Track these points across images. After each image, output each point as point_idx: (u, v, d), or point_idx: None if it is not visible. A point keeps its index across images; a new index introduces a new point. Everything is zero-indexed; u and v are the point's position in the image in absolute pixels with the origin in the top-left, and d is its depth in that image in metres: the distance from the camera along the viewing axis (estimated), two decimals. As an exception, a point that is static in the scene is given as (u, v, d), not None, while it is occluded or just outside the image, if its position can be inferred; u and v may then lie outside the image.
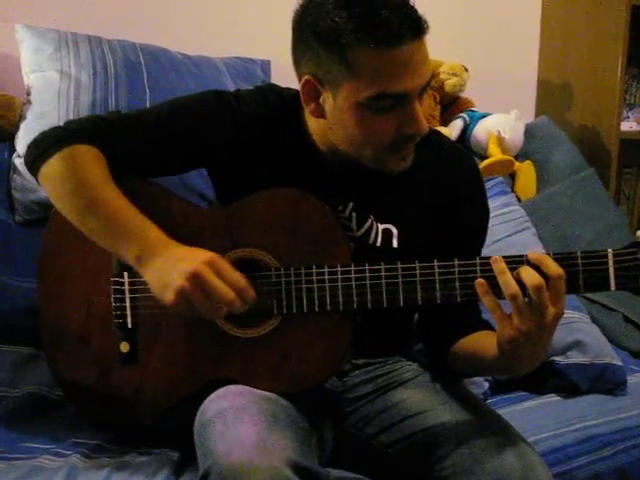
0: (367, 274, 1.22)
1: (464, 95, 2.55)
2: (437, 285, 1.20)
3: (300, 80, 1.26)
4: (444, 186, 1.37)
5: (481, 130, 2.45)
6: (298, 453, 1.11)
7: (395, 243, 1.34)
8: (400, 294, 1.21)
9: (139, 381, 1.32)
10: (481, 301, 1.15)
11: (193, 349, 1.29)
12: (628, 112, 2.78)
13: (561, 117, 2.71)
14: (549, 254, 1.16)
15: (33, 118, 1.85)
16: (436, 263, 1.20)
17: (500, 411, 1.37)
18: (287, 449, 1.10)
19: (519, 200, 2.35)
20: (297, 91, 1.28)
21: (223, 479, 1.06)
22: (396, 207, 1.35)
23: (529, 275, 1.11)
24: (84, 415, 1.43)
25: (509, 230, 2.11)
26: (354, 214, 1.34)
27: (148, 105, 1.85)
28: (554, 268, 1.12)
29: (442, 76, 2.45)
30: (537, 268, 1.12)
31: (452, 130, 2.44)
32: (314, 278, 1.23)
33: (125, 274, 1.31)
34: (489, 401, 1.73)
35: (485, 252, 1.44)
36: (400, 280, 1.21)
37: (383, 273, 1.21)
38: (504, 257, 1.15)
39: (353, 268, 1.22)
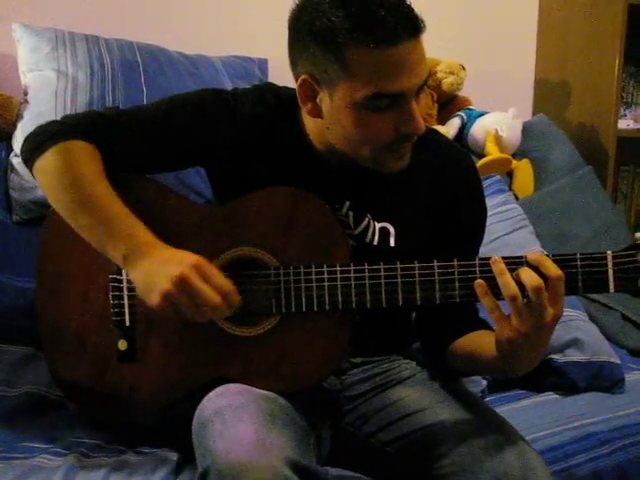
0: (366, 274, 1.22)
1: (461, 94, 2.55)
2: (436, 285, 1.20)
3: (297, 80, 1.25)
4: (441, 185, 1.37)
5: (479, 128, 2.45)
6: (297, 452, 1.11)
7: (392, 242, 1.34)
8: (399, 294, 1.21)
9: (137, 379, 1.32)
10: (480, 302, 1.15)
11: (191, 348, 1.29)
12: (625, 110, 2.79)
13: (559, 115, 2.71)
14: (548, 255, 1.16)
15: (30, 117, 1.85)
16: (435, 263, 1.20)
17: (498, 409, 1.37)
18: (286, 448, 1.10)
19: (517, 198, 2.35)
20: (294, 90, 1.28)
21: (222, 478, 1.06)
22: (393, 206, 1.35)
23: (528, 276, 1.11)
24: (84, 414, 1.43)
25: (507, 228, 2.11)
26: (351, 213, 1.34)
27: (145, 104, 1.85)
28: (553, 269, 1.12)
29: (439, 75, 2.45)
30: (536, 269, 1.13)
31: (450, 129, 2.45)
32: (313, 277, 1.23)
33: (123, 272, 1.31)
34: (487, 399, 1.73)
35: (483, 250, 1.44)
36: (399, 280, 1.21)
37: (382, 273, 1.22)
38: (503, 258, 1.15)
39: (352, 268, 1.22)
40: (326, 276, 1.23)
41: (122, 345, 1.32)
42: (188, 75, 2.04)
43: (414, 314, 1.46)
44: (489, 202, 1.50)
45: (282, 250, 1.26)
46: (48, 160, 1.30)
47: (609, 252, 1.17)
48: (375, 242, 1.34)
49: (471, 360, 1.31)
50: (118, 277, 1.31)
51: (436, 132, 1.47)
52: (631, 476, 1.55)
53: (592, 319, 2.00)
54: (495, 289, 1.13)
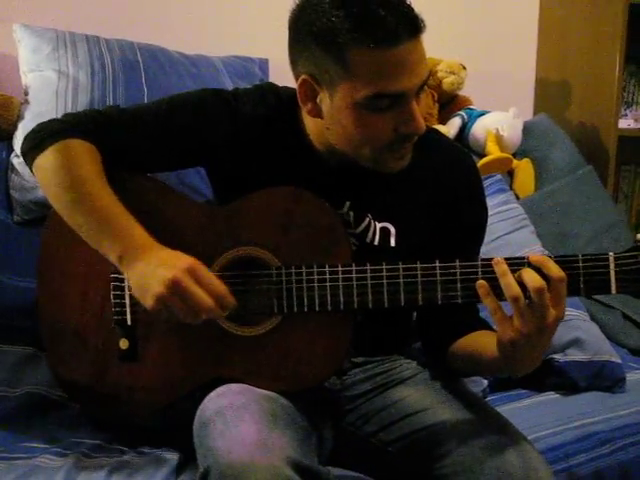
0: (368, 274, 1.22)
1: (462, 93, 2.55)
2: (438, 286, 1.20)
3: (297, 80, 1.25)
4: (442, 185, 1.37)
5: (479, 128, 2.45)
6: (298, 452, 1.11)
7: (393, 242, 1.34)
8: (401, 294, 1.21)
9: (138, 378, 1.32)
10: (482, 303, 1.15)
11: (193, 347, 1.29)
12: (626, 110, 2.79)
13: (559, 115, 2.71)
14: (550, 256, 1.16)
15: (31, 118, 1.85)
16: (438, 264, 1.20)
17: (499, 409, 1.37)
18: (287, 448, 1.10)
19: (517, 198, 2.35)
20: (295, 90, 1.28)
21: (223, 478, 1.06)
22: (394, 206, 1.35)
23: (531, 277, 1.11)
24: (86, 413, 1.43)
25: (508, 228, 2.11)
26: (351, 213, 1.34)
27: (146, 104, 1.85)
28: (555, 271, 1.12)
29: (440, 74, 2.45)
30: (538, 270, 1.12)
31: (450, 128, 2.45)
32: (315, 277, 1.23)
33: None
34: (488, 399, 1.73)
35: (484, 250, 1.44)
36: (401, 280, 1.21)
37: (384, 273, 1.22)
38: (505, 259, 1.15)
39: (354, 268, 1.22)
40: (328, 276, 1.23)
41: (123, 344, 1.32)
42: (189, 75, 2.04)
43: (415, 314, 1.46)
44: (490, 202, 1.50)
45: (284, 250, 1.26)
46: (47, 158, 1.30)
47: (611, 253, 1.17)
48: (376, 242, 1.34)
49: (472, 360, 1.31)
50: (119, 276, 1.31)
51: (437, 132, 1.47)
52: (632, 475, 1.55)
53: (593, 318, 2.00)
54: (497, 290, 1.13)
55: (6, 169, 1.85)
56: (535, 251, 2.04)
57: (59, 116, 1.40)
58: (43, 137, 1.32)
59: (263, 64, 2.25)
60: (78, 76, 1.90)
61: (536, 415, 1.65)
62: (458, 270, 1.20)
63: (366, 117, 1.21)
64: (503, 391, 1.80)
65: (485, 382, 1.76)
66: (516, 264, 1.15)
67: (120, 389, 1.33)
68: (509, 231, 2.11)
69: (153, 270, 1.16)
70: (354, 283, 1.22)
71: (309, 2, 1.21)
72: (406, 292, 1.21)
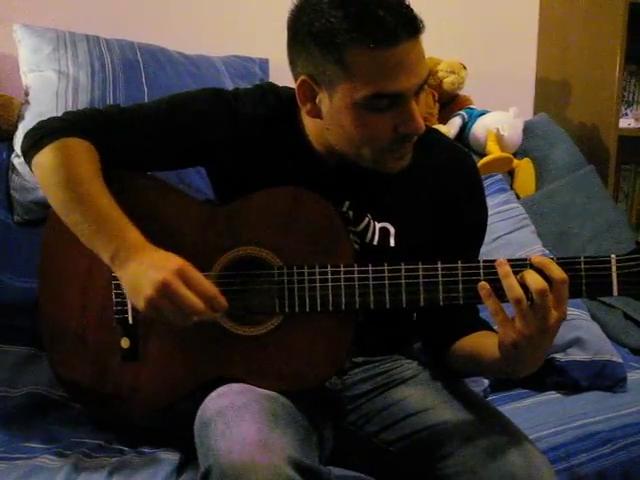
0: (370, 275, 1.22)
1: (462, 93, 2.55)
2: (440, 287, 1.20)
3: (296, 80, 1.25)
4: (442, 185, 1.37)
5: (480, 128, 2.45)
6: (299, 451, 1.11)
7: (392, 242, 1.34)
8: (403, 295, 1.21)
9: (139, 377, 1.32)
10: (483, 304, 1.15)
11: (194, 346, 1.29)
12: (626, 109, 2.79)
13: (560, 114, 2.71)
14: (552, 258, 1.16)
15: (31, 118, 1.84)
16: (439, 265, 1.20)
17: (500, 408, 1.37)
18: (288, 447, 1.10)
19: (518, 197, 2.36)
20: (295, 90, 1.28)
21: (224, 478, 1.06)
22: (393, 206, 1.35)
23: (533, 279, 1.11)
24: (87, 413, 1.43)
25: (508, 227, 2.11)
26: (350, 212, 1.34)
27: (146, 104, 1.85)
28: (558, 272, 1.12)
29: (440, 74, 2.46)
30: (540, 272, 1.12)
31: (451, 128, 2.45)
32: (317, 277, 1.23)
33: None
34: (489, 398, 1.73)
35: (485, 250, 1.44)
36: (403, 281, 1.21)
37: (386, 274, 1.21)
38: (507, 260, 1.15)
39: (356, 268, 1.22)
40: (330, 276, 1.23)
41: (125, 343, 1.32)
42: (189, 75, 2.04)
43: (415, 314, 1.46)
44: (490, 201, 1.50)
45: (285, 250, 1.26)
46: (45, 157, 1.30)
47: (613, 256, 1.17)
48: (375, 242, 1.34)
49: (473, 361, 1.31)
50: (120, 275, 1.31)
51: (437, 132, 1.47)
52: (633, 475, 1.55)
53: (594, 318, 2.00)
54: (498, 291, 1.13)
55: (7, 169, 1.85)
56: (536, 251, 2.04)
57: (62, 113, 1.40)
58: (42, 135, 1.32)
59: (263, 64, 2.25)
60: (78, 76, 1.90)
61: (537, 415, 1.65)
62: (460, 271, 1.20)
63: (365, 117, 1.21)
64: (504, 391, 1.81)
65: (486, 382, 1.76)
66: (518, 265, 1.15)
67: (121, 388, 1.33)
68: (510, 231, 2.11)
69: (144, 272, 1.16)
70: (356, 283, 1.22)
71: (308, 2, 1.21)
72: (408, 293, 1.21)
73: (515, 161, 2.45)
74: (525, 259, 1.16)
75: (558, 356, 1.83)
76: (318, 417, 1.29)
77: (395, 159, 1.27)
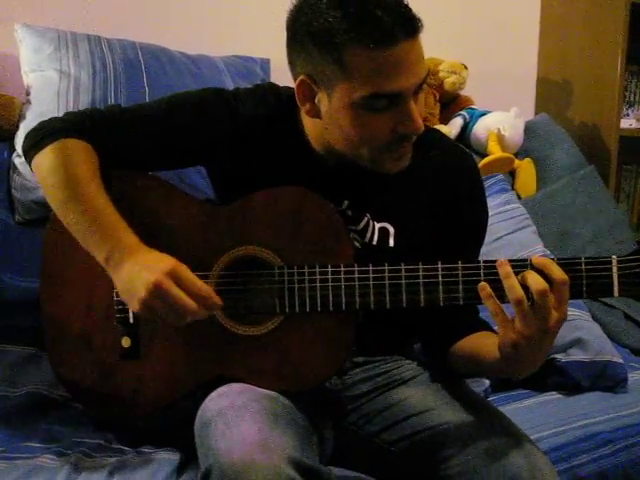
0: (370, 275, 1.22)
1: (464, 93, 2.55)
2: (440, 287, 1.20)
3: (295, 80, 1.26)
4: (443, 185, 1.37)
5: (481, 128, 2.45)
6: (299, 451, 1.11)
7: (391, 242, 1.34)
8: (403, 295, 1.21)
9: (141, 377, 1.32)
10: (484, 304, 1.15)
11: (194, 346, 1.29)
12: (628, 109, 2.79)
13: (561, 115, 2.71)
14: (553, 259, 1.16)
15: (33, 118, 1.85)
16: (440, 265, 1.20)
17: (501, 409, 1.37)
18: (288, 447, 1.09)
19: (519, 197, 2.36)
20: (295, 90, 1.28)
21: (224, 477, 1.06)
22: (393, 206, 1.35)
23: (534, 280, 1.11)
24: (88, 413, 1.43)
25: (509, 228, 2.11)
26: (349, 212, 1.34)
27: (147, 104, 1.85)
28: (558, 273, 1.12)
29: (442, 74, 2.46)
30: (541, 272, 1.12)
31: (452, 128, 2.45)
32: (317, 277, 1.23)
33: None
34: (490, 399, 1.73)
35: (486, 250, 1.44)
36: (403, 281, 1.21)
37: (386, 274, 1.21)
38: (508, 261, 1.15)
39: (356, 268, 1.22)
40: (330, 276, 1.23)
41: (125, 342, 1.32)
42: (190, 75, 2.04)
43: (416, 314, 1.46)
44: (491, 202, 1.50)
45: (286, 250, 1.26)
46: (45, 157, 1.30)
47: (614, 257, 1.17)
48: (374, 242, 1.34)
49: (473, 362, 1.31)
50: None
51: (437, 132, 1.47)
52: (634, 476, 1.55)
53: (595, 319, 2.00)
54: (499, 292, 1.13)
55: (8, 169, 1.85)
56: (537, 251, 2.04)
57: (63, 113, 1.41)
58: (43, 136, 1.32)
59: (264, 64, 2.25)
60: (79, 76, 1.90)
61: (538, 415, 1.65)
62: (460, 271, 1.19)
63: (364, 117, 1.21)
64: (505, 391, 1.80)
65: (487, 382, 1.76)
66: (519, 266, 1.15)
67: (122, 387, 1.33)
68: (511, 231, 2.11)
69: (137, 274, 1.16)
70: (356, 284, 1.22)
71: (306, 3, 1.21)
72: (408, 293, 1.21)
73: (516, 161, 2.45)
74: (526, 260, 1.16)
75: (559, 356, 1.83)
76: (318, 417, 1.29)
77: (394, 159, 1.27)
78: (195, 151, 1.37)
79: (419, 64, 1.20)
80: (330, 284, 1.22)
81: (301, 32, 1.21)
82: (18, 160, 1.83)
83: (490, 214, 1.46)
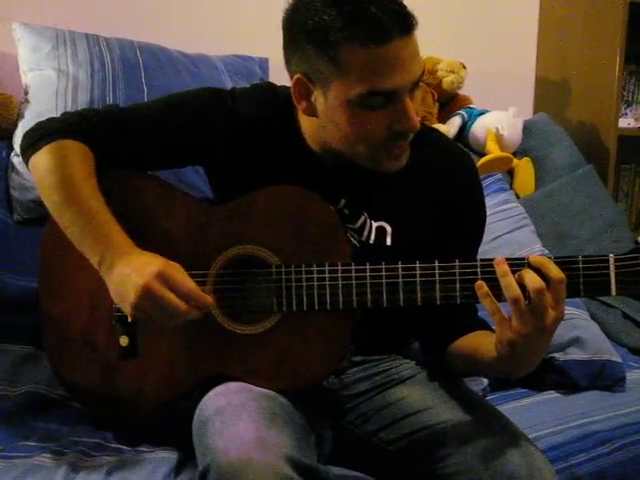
0: (367, 273, 1.22)
1: (462, 92, 2.55)
2: (437, 286, 1.20)
3: (292, 79, 1.26)
4: (441, 184, 1.37)
5: (479, 127, 2.45)
6: (297, 450, 1.11)
7: (389, 241, 1.34)
8: (400, 294, 1.21)
9: (139, 376, 1.32)
10: (480, 303, 1.15)
11: (192, 345, 1.29)
12: (626, 109, 2.79)
13: (559, 114, 2.71)
14: (550, 258, 1.16)
15: (31, 117, 1.85)
16: (437, 264, 1.20)
17: (499, 408, 1.36)
18: (286, 446, 1.10)
19: (517, 197, 2.36)
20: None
21: (222, 476, 1.06)
22: (390, 205, 1.35)
23: (531, 278, 1.10)
24: (88, 413, 1.43)
25: (508, 227, 2.11)
26: (346, 211, 1.34)
27: (146, 104, 1.85)
28: (555, 272, 1.11)
29: (440, 73, 2.46)
30: (538, 271, 1.12)
31: (450, 127, 2.45)
32: (314, 276, 1.23)
33: None
34: (488, 398, 1.73)
35: (484, 249, 1.44)
36: (400, 280, 1.21)
37: (383, 273, 1.21)
38: (505, 259, 1.15)
39: (353, 267, 1.22)
40: (327, 275, 1.23)
41: (124, 341, 1.32)
42: (189, 74, 2.04)
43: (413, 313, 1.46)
44: (490, 201, 1.50)
45: (285, 249, 1.26)
46: (41, 158, 1.31)
47: (611, 255, 1.16)
48: (371, 241, 1.34)
49: (470, 361, 1.31)
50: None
51: (436, 131, 1.47)
52: (632, 475, 1.55)
53: (593, 317, 2.00)
54: (496, 290, 1.13)
55: (6, 168, 1.85)
56: (535, 250, 2.04)
57: (58, 115, 1.40)
58: (40, 136, 1.32)
59: (263, 63, 2.25)
60: (78, 75, 1.90)
61: (536, 414, 1.65)
62: (457, 270, 1.19)
63: (360, 115, 1.21)
64: (503, 390, 1.80)
65: (485, 381, 1.76)
66: (516, 264, 1.15)
67: (122, 386, 1.33)
68: (509, 230, 2.11)
69: (128, 277, 1.17)
70: (353, 282, 1.22)
71: (302, 2, 1.21)
72: (405, 292, 1.21)
73: (515, 161, 2.45)
74: (523, 258, 1.16)
75: (557, 355, 1.83)
76: (316, 416, 1.29)
77: (391, 158, 1.27)
78: (193, 150, 1.37)
79: (414, 61, 1.20)
80: (327, 283, 1.23)
81: (297, 31, 1.21)
82: (16, 159, 1.83)
83: (488, 213, 1.46)
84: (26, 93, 1.91)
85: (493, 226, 2.02)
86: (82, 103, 1.86)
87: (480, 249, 1.43)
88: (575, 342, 1.84)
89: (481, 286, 1.13)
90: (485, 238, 1.45)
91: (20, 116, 1.89)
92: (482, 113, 2.48)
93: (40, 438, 1.39)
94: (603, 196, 2.45)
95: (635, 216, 2.84)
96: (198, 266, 1.27)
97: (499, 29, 2.70)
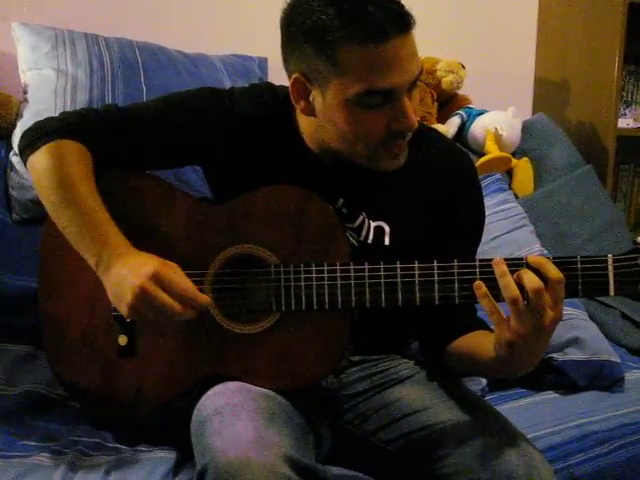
0: (366, 273, 1.22)
1: (461, 92, 2.55)
2: (435, 286, 1.20)
3: (290, 78, 1.26)
4: (440, 184, 1.37)
5: (478, 127, 2.45)
6: (295, 450, 1.11)
7: (387, 241, 1.34)
8: (399, 294, 1.21)
9: (138, 375, 1.32)
10: (479, 303, 1.15)
11: (191, 344, 1.29)
12: (625, 109, 2.79)
13: (558, 114, 2.71)
14: (549, 258, 1.16)
15: (30, 116, 1.85)
16: (435, 264, 1.20)
17: (498, 408, 1.37)
18: (284, 446, 1.10)
19: (516, 197, 2.36)
20: (290, 89, 1.28)
21: (220, 475, 1.06)
22: (388, 204, 1.35)
23: (529, 278, 1.10)
24: (87, 413, 1.43)
25: (507, 227, 2.11)
26: (344, 210, 1.34)
27: (145, 103, 1.85)
28: (554, 272, 1.12)
29: (439, 73, 2.46)
30: (537, 271, 1.12)
31: (449, 127, 2.45)
32: (313, 276, 1.23)
33: None
34: (487, 398, 1.73)
35: (483, 249, 1.44)
36: (399, 280, 1.21)
37: (382, 273, 1.21)
38: (504, 259, 1.15)
39: (352, 267, 1.22)
40: (326, 275, 1.23)
41: (122, 340, 1.32)
42: (188, 74, 2.04)
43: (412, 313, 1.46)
44: (489, 201, 1.50)
45: (284, 249, 1.26)
46: (39, 158, 1.31)
47: (610, 256, 1.16)
48: (370, 240, 1.34)
49: (469, 361, 1.31)
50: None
51: (435, 131, 1.47)
52: (631, 475, 1.55)
53: (592, 318, 2.00)
54: (494, 290, 1.13)
55: (5, 168, 1.86)
56: (534, 250, 2.04)
57: (57, 114, 1.40)
58: (38, 136, 1.32)
59: (262, 63, 2.25)
60: (77, 74, 1.90)
61: (535, 414, 1.65)
62: (456, 270, 1.20)
63: (358, 114, 1.21)
64: (502, 390, 1.80)
65: (484, 381, 1.76)
66: (514, 265, 1.15)
67: (120, 385, 1.33)
68: (508, 230, 2.11)
69: (124, 278, 1.18)
70: (352, 282, 1.22)
71: (300, 1, 1.21)
72: (404, 292, 1.21)
73: (514, 161, 2.45)
74: (521, 258, 1.16)
75: (556, 355, 1.83)
76: (315, 416, 1.29)
77: (390, 157, 1.27)
78: (191, 150, 1.37)
79: (412, 60, 1.20)
80: (326, 282, 1.23)
81: (295, 30, 1.21)
82: (15, 159, 1.83)
83: (487, 213, 1.46)
84: (25, 92, 1.91)
85: (492, 226, 2.02)
86: (81, 102, 1.87)
87: (479, 249, 1.43)
88: (574, 342, 1.84)
89: (480, 286, 1.13)
90: (484, 238, 1.45)
91: (19, 115, 1.89)
92: (481, 113, 2.48)
93: (39, 438, 1.39)
94: (602, 196, 2.44)
95: (634, 216, 2.84)
96: (197, 265, 1.27)
97: (498, 29, 2.70)
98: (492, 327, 1.18)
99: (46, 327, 1.39)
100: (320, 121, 1.27)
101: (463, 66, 2.47)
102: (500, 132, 2.43)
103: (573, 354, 1.83)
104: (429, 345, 1.42)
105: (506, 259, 1.15)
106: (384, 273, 1.21)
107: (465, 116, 2.48)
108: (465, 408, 1.30)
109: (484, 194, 1.47)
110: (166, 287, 1.16)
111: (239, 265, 1.28)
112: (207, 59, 2.13)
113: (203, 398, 1.22)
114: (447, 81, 2.45)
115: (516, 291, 1.10)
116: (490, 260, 1.16)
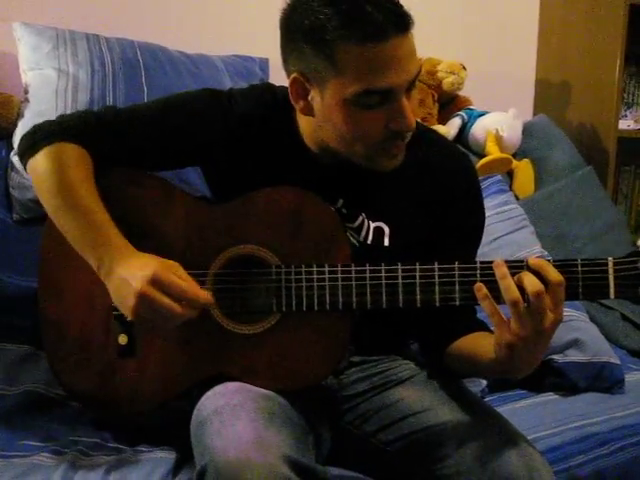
0: (367, 274, 1.22)
1: (462, 93, 2.55)
2: (436, 288, 1.20)
3: (289, 78, 1.26)
4: (439, 185, 1.37)
5: (479, 128, 2.45)
6: (295, 450, 1.11)
7: (386, 242, 1.34)
8: (400, 295, 1.21)
9: (138, 374, 1.32)
10: (480, 305, 1.15)
11: (191, 344, 1.29)
12: (626, 111, 2.79)
13: (559, 115, 2.71)
14: (549, 260, 1.16)
15: (31, 116, 1.85)
16: (436, 265, 1.20)
17: (498, 409, 1.37)
18: (284, 446, 1.10)
19: (517, 198, 2.35)
20: (289, 89, 1.28)
21: (220, 476, 1.06)
22: (388, 205, 1.35)
23: (529, 281, 1.10)
24: (87, 412, 1.43)
25: (507, 228, 2.11)
26: (344, 210, 1.34)
27: (145, 104, 1.85)
28: (554, 275, 1.12)
29: (440, 74, 2.46)
30: (537, 274, 1.12)
31: (450, 128, 2.45)
32: (314, 277, 1.23)
33: None
34: (487, 399, 1.73)
35: (483, 250, 1.44)
36: (400, 282, 1.21)
37: (383, 274, 1.21)
38: (504, 261, 1.15)
39: (353, 268, 1.22)
40: (327, 276, 1.23)
41: (122, 340, 1.32)
42: (189, 74, 2.04)
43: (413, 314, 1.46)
44: (489, 202, 1.49)
45: (285, 249, 1.26)
46: (39, 161, 1.31)
47: (610, 258, 1.16)
48: (369, 241, 1.34)
49: (469, 362, 1.31)
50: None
51: (435, 132, 1.47)
52: (631, 476, 1.55)
53: (592, 319, 2.00)
54: (495, 292, 1.13)
55: (5, 167, 1.85)
56: (535, 252, 2.04)
57: (57, 116, 1.40)
58: (37, 139, 1.32)
59: (263, 63, 2.25)
60: (78, 75, 1.90)
61: (535, 416, 1.65)
62: (457, 272, 1.20)
63: (356, 114, 1.21)
64: (502, 391, 1.80)
65: (484, 382, 1.76)
66: (515, 267, 1.15)
67: (120, 385, 1.33)
68: (509, 232, 2.11)
69: (125, 281, 1.18)
70: (353, 283, 1.22)
71: (299, 1, 1.22)
72: (404, 293, 1.21)
73: (514, 162, 2.45)
74: (522, 261, 1.16)
75: (556, 357, 1.83)
76: (315, 417, 1.28)
77: (388, 158, 1.27)
78: (191, 152, 1.37)
79: (411, 60, 1.20)
80: (327, 283, 1.23)
81: (294, 30, 1.21)
82: (16, 159, 1.83)
83: (488, 215, 1.46)
84: (26, 92, 1.91)
85: (493, 227, 2.02)
86: (82, 103, 1.87)
87: (479, 250, 1.43)
88: (574, 344, 1.84)
89: (480, 288, 1.13)
90: (484, 239, 1.45)
91: (20, 115, 1.89)
92: (482, 114, 2.48)
93: (39, 437, 1.39)
94: (603, 198, 2.45)
95: (634, 218, 2.84)
96: (197, 266, 1.27)
97: (499, 30, 2.70)
98: (492, 328, 1.18)
99: (46, 327, 1.39)
100: (319, 121, 1.27)
101: (464, 67, 2.47)
102: (501, 133, 2.43)
103: (573, 356, 1.83)
104: (429, 346, 1.42)
105: (506, 261, 1.15)
106: (385, 274, 1.21)
107: (466, 117, 2.48)
108: (465, 409, 1.30)
109: (485, 195, 1.47)
110: (165, 289, 1.16)
111: (240, 265, 1.28)
112: (208, 60, 2.13)
113: (203, 398, 1.22)
114: (448, 82, 2.45)
115: (516, 293, 1.10)
116: (491, 262, 1.16)
